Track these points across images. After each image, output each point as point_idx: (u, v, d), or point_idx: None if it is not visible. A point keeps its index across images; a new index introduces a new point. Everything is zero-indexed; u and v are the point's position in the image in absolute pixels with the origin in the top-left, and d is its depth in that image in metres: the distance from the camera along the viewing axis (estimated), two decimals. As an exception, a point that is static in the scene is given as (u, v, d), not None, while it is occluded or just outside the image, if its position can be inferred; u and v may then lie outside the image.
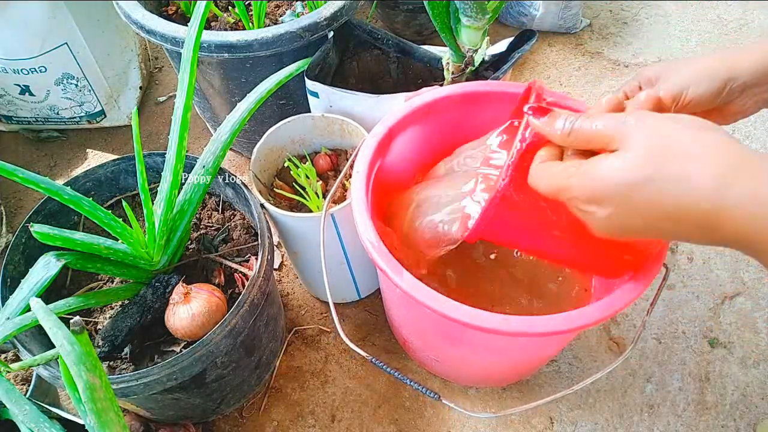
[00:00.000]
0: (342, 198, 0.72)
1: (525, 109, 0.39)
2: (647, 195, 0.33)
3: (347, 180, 0.72)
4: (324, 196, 0.70)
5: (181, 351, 0.60)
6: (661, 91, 0.44)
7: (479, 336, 0.55)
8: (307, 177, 0.68)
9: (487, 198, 0.49)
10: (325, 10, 0.74)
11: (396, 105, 0.67)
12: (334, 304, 0.85)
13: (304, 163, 0.69)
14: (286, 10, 0.89)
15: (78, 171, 1.00)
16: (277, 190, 0.73)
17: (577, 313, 0.47)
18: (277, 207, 0.66)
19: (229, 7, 0.91)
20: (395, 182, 0.67)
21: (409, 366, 0.80)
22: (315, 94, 0.71)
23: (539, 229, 0.45)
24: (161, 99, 1.17)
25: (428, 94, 0.63)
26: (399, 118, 0.61)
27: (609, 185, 0.34)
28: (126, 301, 0.63)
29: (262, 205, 0.67)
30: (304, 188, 0.68)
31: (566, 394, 0.50)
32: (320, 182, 0.71)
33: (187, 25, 0.62)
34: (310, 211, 0.69)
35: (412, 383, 0.54)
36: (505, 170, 0.40)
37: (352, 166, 0.74)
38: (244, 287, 0.65)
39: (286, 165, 0.73)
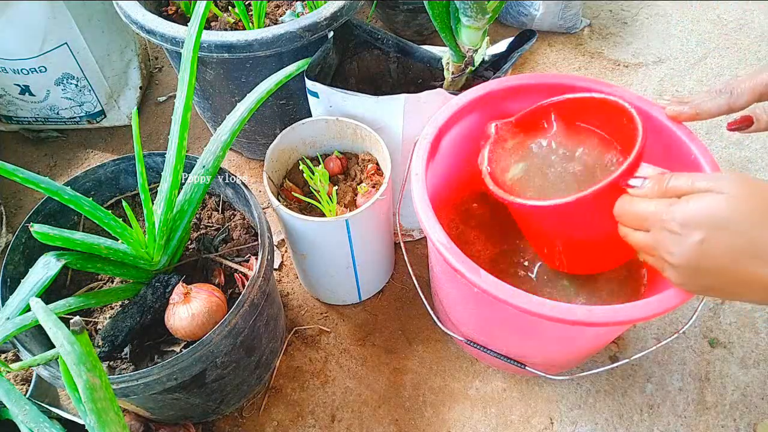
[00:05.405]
0: (352, 202, 0.72)
1: (628, 182, 0.46)
2: (745, 230, 0.37)
3: (358, 185, 0.73)
4: (338, 201, 0.70)
5: (181, 351, 0.61)
6: None
7: (556, 327, 0.56)
8: (321, 181, 0.68)
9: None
10: (325, 10, 0.74)
11: (396, 105, 0.67)
12: (334, 306, 0.86)
13: (315, 165, 0.69)
14: (286, 10, 0.89)
15: (78, 171, 1.00)
16: (294, 194, 0.73)
17: (657, 300, 0.47)
18: (287, 208, 0.66)
19: (229, 7, 0.91)
20: (440, 183, 0.68)
21: (410, 365, 0.80)
22: (315, 95, 0.71)
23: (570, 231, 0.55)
24: (161, 99, 1.17)
25: (472, 90, 0.63)
26: (447, 116, 0.61)
27: (714, 214, 0.38)
28: (126, 301, 0.63)
29: (273, 208, 0.67)
30: (317, 191, 0.68)
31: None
32: (330, 185, 0.71)
33: (187, 25, 0.62)
34: (322, 214, 0.68)
35: (497, 355, 0.64)
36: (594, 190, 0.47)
37: (362, 171, 0.75)
38: (244, 287, 0.65)
39: (299, 167, 0.73)
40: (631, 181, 0.46)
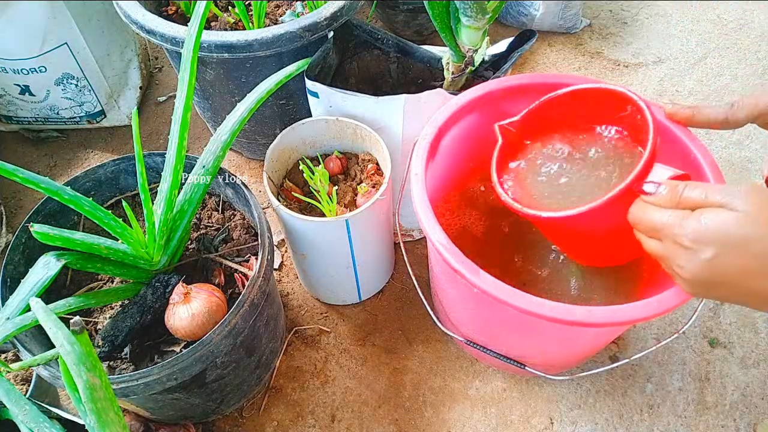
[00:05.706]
0: (352, 202, 0.72)
1: (642, 187, 0.45)
2: (757, 250, 0.37)
3: (358, 185, 0.73)
4: (338, 201, 0.70)
5: (181, 351, 0.61)
6: None
7: (556, 328, 0.56)
8: (321, 181, 0.68)
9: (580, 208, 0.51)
10: (325, 10, 0.74)
11: (396, 106, 0.67)
12: (334, 306, 0.86)
13: (315, 165, 0.69)
14: (286, 10, 0.89)
15: (78, 171, 1.00)
16: (294, 194, 0.73)
17: (657, 300, 0.47)
18: (287, 208, 0.66)
19: (229, 7, 0.91)
20: (440, 183, 0.68)
21: (410, 365, 0.80)
22: (315, 95, 0.71)
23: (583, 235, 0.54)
24: (161, 99, 1.17)
25: (472, 90, 0.63)
26: (447, 116, 0.62)
27: (725, 232, 0.38)
28: (126, 301, 0.63)
29: (273, 208, 0.67)
30: (317, 191, 0.68)
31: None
32: (330, 185, 0.71)
33: (187, 25, 0.62)
34: (322, 214, 0.69)
35: (497, 355, 0.65)
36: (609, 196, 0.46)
37: (362, 171, 0.75)
38: (244, 287, 0.65)
39: (299, 167, 0.73)
40: (645, 187, 0.45)
